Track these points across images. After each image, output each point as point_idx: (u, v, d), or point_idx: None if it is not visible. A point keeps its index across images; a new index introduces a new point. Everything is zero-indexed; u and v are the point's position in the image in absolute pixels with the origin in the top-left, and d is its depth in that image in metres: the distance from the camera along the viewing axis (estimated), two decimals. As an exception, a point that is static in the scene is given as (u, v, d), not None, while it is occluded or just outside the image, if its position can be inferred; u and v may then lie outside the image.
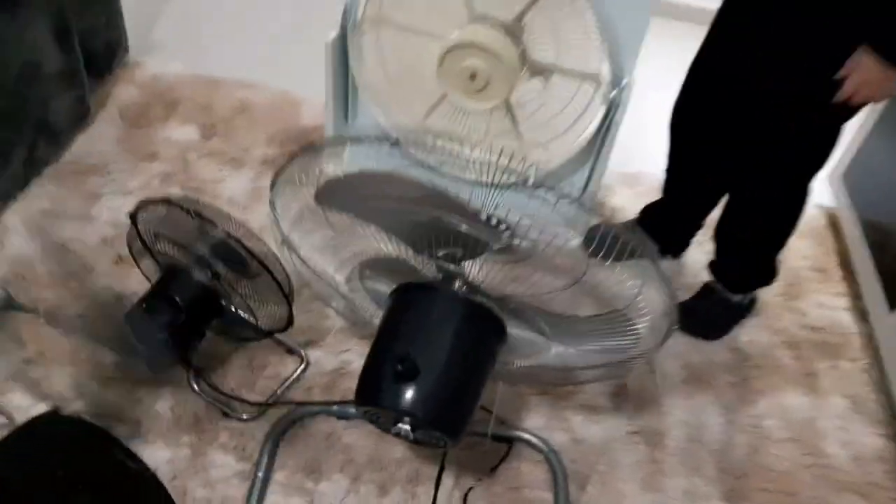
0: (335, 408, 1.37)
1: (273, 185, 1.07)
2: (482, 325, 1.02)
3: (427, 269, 1.05)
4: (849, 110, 1.22)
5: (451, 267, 1.01)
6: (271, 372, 1.45)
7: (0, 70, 1.56)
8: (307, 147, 0.97)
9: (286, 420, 1.36)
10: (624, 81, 1.47)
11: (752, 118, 1.31)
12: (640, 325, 1.00)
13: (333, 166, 1.04)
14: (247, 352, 1.47)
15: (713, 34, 1.34)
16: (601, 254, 0.92)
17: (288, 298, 1.29)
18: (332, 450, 1.34)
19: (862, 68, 1.13)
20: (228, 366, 1.45)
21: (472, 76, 1.47)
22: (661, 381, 1.50)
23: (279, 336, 1.49)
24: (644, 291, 1.01)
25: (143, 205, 1.27)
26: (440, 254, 1.01)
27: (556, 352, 1.06)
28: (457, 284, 1.03)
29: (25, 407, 1.31)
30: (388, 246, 1.00)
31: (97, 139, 1.87)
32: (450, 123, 1.63)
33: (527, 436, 1.37)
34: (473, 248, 0.92)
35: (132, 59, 2.09)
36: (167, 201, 1.24)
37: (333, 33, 1.59)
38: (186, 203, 1.26)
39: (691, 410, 1.46)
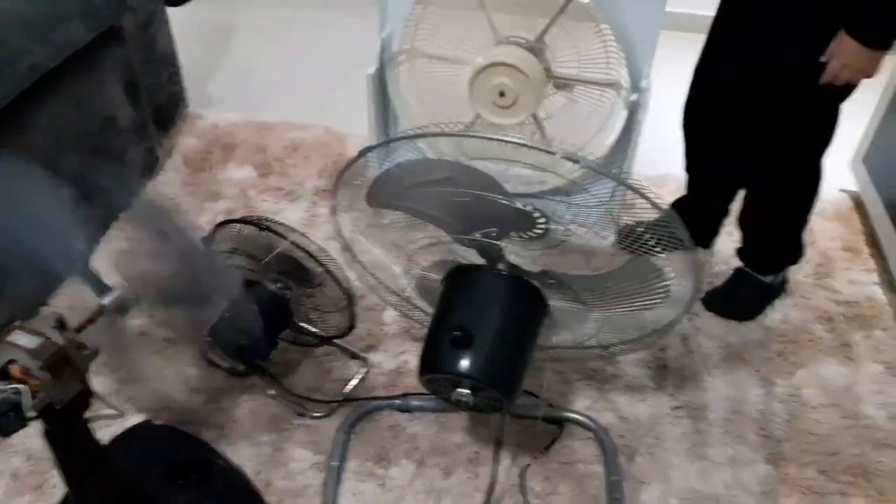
0: (398, 401, 1.50)
1: (333, 192, 1.23)
2: (526, 298, 1.15)
3: (471, 254, 1.19)
4: (840, 91, 1.33)
5: (492, 249, 1.15)
6: (337, 375, 1.59)
7: (87, 122, 1.77)
8: (360, 153, 1.12)
9: (355, 415, 1.49)
10: (643, 83, 1.60)
11: (755, 108, 1.43)
12: (669, 279, 1.12)
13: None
14: (313, 359, 1.62)
15: (712, 37, 1.50)
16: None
17: (351, 302, 1.44)
18: (398, 439, 1.47)
19: (842, 51, 1.25)
20: (298, 372, 1.59)
21: (501, 93, 1.62)
22: (700, 360, 1.60)
23: (342, 343, 1.63)
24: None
25: (220, 224, 1.45)
26: (480, 234, 1.15)
27: (595, 319, 1.18)
28: (500, 265, 1.16)
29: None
30: (434, 229, 1.15)
31: (165, 185, 2.06)
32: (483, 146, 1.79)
33: (576, 416, 1.48)
34: (510, 227, 1.06)
35: (192, 112, 2.31)
36: (242, 220, 1.40)
37: (373, 67, 1.77)
38: (257, 220, 1.43)
39: (731, 385, 1.55)
